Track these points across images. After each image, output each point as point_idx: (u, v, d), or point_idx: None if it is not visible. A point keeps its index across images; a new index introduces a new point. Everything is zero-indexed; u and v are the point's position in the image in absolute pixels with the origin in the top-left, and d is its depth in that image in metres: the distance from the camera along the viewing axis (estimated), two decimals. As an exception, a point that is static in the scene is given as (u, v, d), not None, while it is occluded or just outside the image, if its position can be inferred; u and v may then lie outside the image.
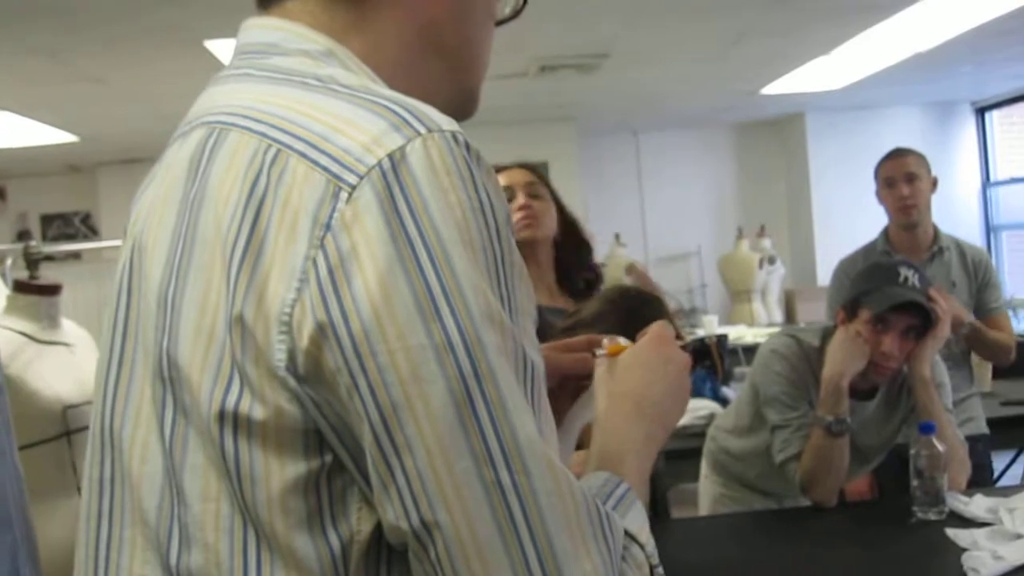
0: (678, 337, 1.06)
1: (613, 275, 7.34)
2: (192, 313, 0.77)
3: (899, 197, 3.49)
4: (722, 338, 5.20)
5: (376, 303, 0.69)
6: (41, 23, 4.54)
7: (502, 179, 2.60)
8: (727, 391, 4.65)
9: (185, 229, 0.80)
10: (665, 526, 2.66)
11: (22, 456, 1.67)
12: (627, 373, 0.99)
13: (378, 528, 0.73)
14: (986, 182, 9.44)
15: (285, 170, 0.74)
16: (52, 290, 2.24)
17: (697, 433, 3.51)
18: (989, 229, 9.42)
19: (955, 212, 8.46)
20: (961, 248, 3.55)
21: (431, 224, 0.71)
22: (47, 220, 9.62)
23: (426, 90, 0.88)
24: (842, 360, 2.56)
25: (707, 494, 3.11)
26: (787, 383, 2.69)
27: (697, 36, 5.88)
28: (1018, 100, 8.86)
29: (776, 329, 6.68)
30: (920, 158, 3.57)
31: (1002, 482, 4.30)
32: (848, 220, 8.02)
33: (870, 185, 3.66)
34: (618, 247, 8.81)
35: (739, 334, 7.05)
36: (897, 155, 3.59)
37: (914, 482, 2.45)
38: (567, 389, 1.09)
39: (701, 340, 5.01)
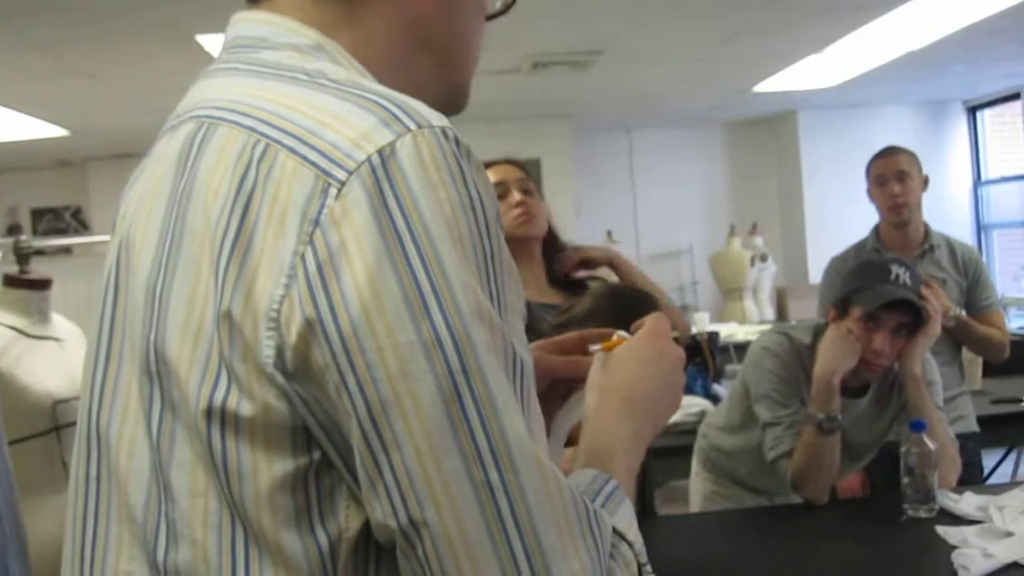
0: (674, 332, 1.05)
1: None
2: (180, 308, 0.77)
3: (890, 195, 3.50)
4: (713, 335, 5.20)
5: (365, 299, 0.69)
6: (33, 18, 4.53)
7: (494, 175, 2.60)
8: (718, 388, 4.65)
9: (173, 223, 0.80)
10: (655, 523, 2.65)
11: (11, 451, 1.67)
12: (620, 367, 0.99)
13: (367, 526, 0.73)
14: (977, 181, 9.47)
15: (274, 165, 0.74)
16: (42, 284, 2.23)
17: (688, 430, 3.51)
18: (980, 228, 9.45)
19: (946, 211, 8.48)
20: (951, 246, 3.55)
21: (420, 220, 0.70)
22: (38, 214, 9.60)
23: (416, 85, 0.88)
24: (833, 358, 2.56)
25: (698, 491, 3.11)
26: (778, 380, 2.70)
27: (690, 34, 5.88)
28: (1009, 99, 8.88)
29: (768, 327, 6.68)
30: (911, 156, 3.58)
31: (992, 480, 4.31)
32: (840, 218, 8.03)
33: (862, 183, 3.66)
34: (610, 244, 8.82)
35: (730, 331, 7.06)
36: (888, 153, 3.59)
37: (905, 480, 2.45)
38: (557, 390, 1.09)
39: (693, 337, 5.02)
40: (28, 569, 1.66)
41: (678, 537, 2.56)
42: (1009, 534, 2.17)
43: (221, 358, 0.74)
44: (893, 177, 3.50)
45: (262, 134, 0.76)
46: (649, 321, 1.04)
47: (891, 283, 2.56)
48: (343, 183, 0.71)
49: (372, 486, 0.70)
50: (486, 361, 0.70)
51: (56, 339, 2.23)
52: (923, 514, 2.41)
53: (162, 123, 0.90)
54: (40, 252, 2.39)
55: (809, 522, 2.57)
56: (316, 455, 0.73)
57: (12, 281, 2.21)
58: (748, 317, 8.70)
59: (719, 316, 8.82)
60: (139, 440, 0.80)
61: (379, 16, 0.88)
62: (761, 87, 7.81)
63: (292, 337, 0.70)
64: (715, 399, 4.31)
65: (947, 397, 2.98)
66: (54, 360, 2.18)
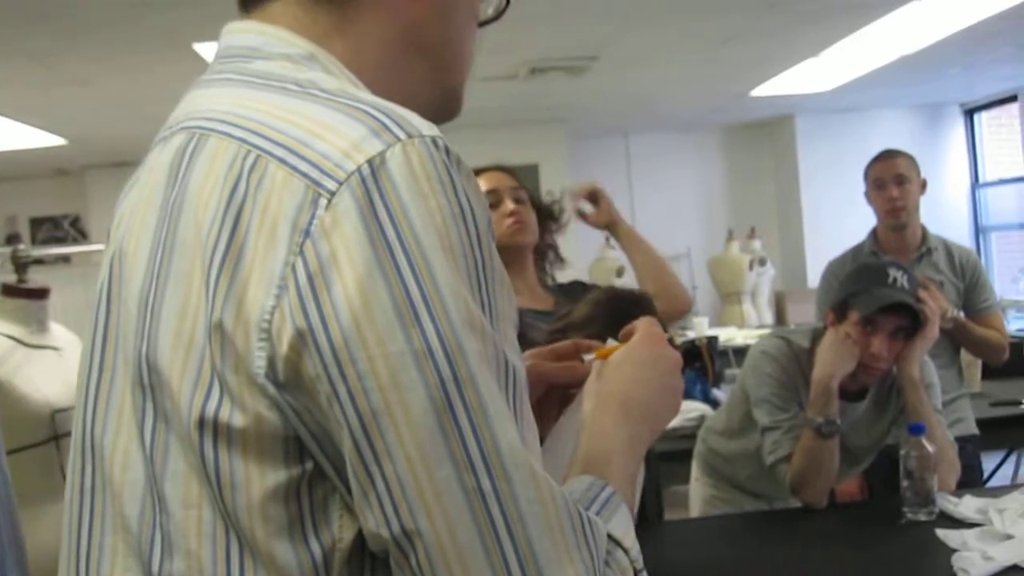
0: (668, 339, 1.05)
1: (602, 277, 7.35)
2: (172, 319, 0.77)
3: (888, 199, 3.50)
4: (712, 340, 5.20)
5: (355, 309, 0.69)
6: (30, 27, 4.53)
7: (486, 182, 2.61)
8: (717, 393, 4.65)
9: (165, 235, 0.80)
10: (655, 528, 2.65)
11: (10, 460, 1.67)
12: (615, 372, 0.99)
13: (360, 536, 0.73)
14: (975, 183, 9.48)
15: (264, 176, 0.74)
16: (41, 294, 2.23)
17: (687, 435, 3.51)
18: (978, 230, 9.45)
19: (944, 213, 8.49)
20: (949, 249, 3.55)
21: (411, 230, 0.70)
22: (36, 223, 9.59)
23: (409, 91, 0.88)
24: (832, 361, 2.57)
25: (698, 496, 3.11)
26: (777, 385, 2.70)
27: (686, 38, 5.89)
28: (1006, 102, 8.89)
29: (766, 331, 6.69)
30: (910, 160, 3.57)
31: (992, 483, 4.30)
32: (838, 222, 8.04)
33: (860, 187, 3.66)
34: (608, 249, 8.82)
35: (729, 336, 7.07)
36: (887, 157, 3.59)
37: (904, 483, 2.45)
38: (553, 397, 1.09)
39: (691, 342, 5.02)
40: (27, 579, 1.65)
41: (678, 541, 2.56)
42: (1009, 537, 2.17)
43: (213, 369, 0.73)
44: (892, 181, 3.50)
45: (253, 145, 0.76)
46: (641, 326, 1.04)
47: (889, 287, 2.56)
48: (333, 193, 0.71)
49: (364, 496, 0.70)
50: (477, 370, 0.70)
51: (55, 348, 2.23)
52: (922, 517, 2.41)
53: (159, 132, 0.90)
54: (39, 261, 2.39)
55: (808, 526, 2.57)
56: (309, 465, 0.73)
57: (10, 290, 2.21)
58: (747, 321, 8.70)
59: (718, 320, 8.82)
60: (133, 451, 0.80)
61: (372, 23, 0.88)
62: (758, 91, 7.82)
63: (283, 348, 0.70)
64: (714, 404, 4.31)
65: (946, 400, 2.98)
66: (53, 369, 2.18)
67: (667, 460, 3.43)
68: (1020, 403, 4.03)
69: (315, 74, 0.82)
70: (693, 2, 5.07)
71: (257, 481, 0.73)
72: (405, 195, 0.71)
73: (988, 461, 4.20)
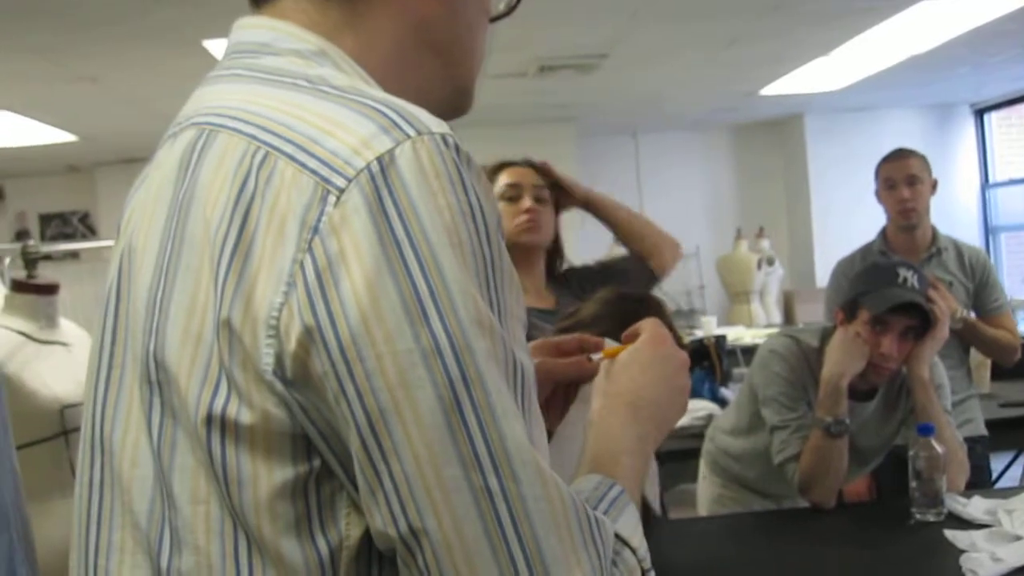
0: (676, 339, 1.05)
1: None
2: (180, 316, 0.77)
3: (899, 200, 3.48)
4: (720, 339, 5.19)
5: (364, 307, 0.69)
6: (41, 23, 4.54)
7: (511, 176, 2.60)
8: (725, 392, 4.64)
9: (174, 231, 0.80)
10: (662, 526, 2.65)
11: (19, 456, 1.67)
12: (623, 372, 0.99)
13: (367, 534, 0.73)
14: (985, 184, 9.44)
15: (273, 173, 0.74)
16: (50, 289, 2.23)
17: (696, 434, 3.51)
18: (988, 231, 9.43)
19: (954, 214, 8.46)
20: (959, 249, 3.54)
21: (420, 227, 0.70)
22: (45, 219, 9.62)
23: (420, 87, 0.88)
24: (841, 361, 2.56)
25: (706, 495, 3.11)
26: (786, 384, 2.69)
27: (696, 37, 5.88)
28: (1017, 102, 8.87)
29: (774, 330, 6.68)
30: (922, 160, 3.55)
31: (1001, 484, 4.30)
32: (847, 221, 8.02)
33: (869, 187, 3.65)
34: (616, 248, 8.80)
35: (738, 335, 7.05)
36: (899, 156, 3.57)
37: (913, 483, 2.44)
38: (559, 393, 1.08)
39: (699, 341, 5.01)
40: (36, 573, 1.66)
41: (685, 541, 2.55)
42: (1018, 538, 2.16)
43: (221, 366, 0.73)
44: (903, 181, 3.48)
45: (262, 141, 0.76)
46: (647, 326, 1.03)
47: (899, 286, 2.56)
48: (342, 190, 0.71)
49: (371, 494, 0.70)
50: (486, 369, 0.70)
51: (64, 344, 2.24)
52: (931, 518, 2.41)
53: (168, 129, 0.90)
54: (48, 257, 2.41)
55: (816, 526, 2.57)
56: (316, 463, 0.73)
57: (20, 286, 2.21)
58: (755, 320, 8.69)
59: (726, 319, 8.81)
60: (142, 447, 0.80)
61: (383, 19, 0.88)
62: (767, 90, 7.80)
63: (291, 345, 0.70)
64: (722, 402, 4.31)
65: (955, 400, 2.98)
66: (62, 365, 2.18)
67: (674, 458, 3.43)
68: (1030, 404, 4.01)
69: (325, 70, 0.82)
70: (703, 1, 5.06)
71: (264, 478, 0.72)
72: (414, 192, 0.71)
73: (997, 462, 4.19)
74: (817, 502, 2.62)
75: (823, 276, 6.80)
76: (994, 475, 3.92)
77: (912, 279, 2.57)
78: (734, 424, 2.97)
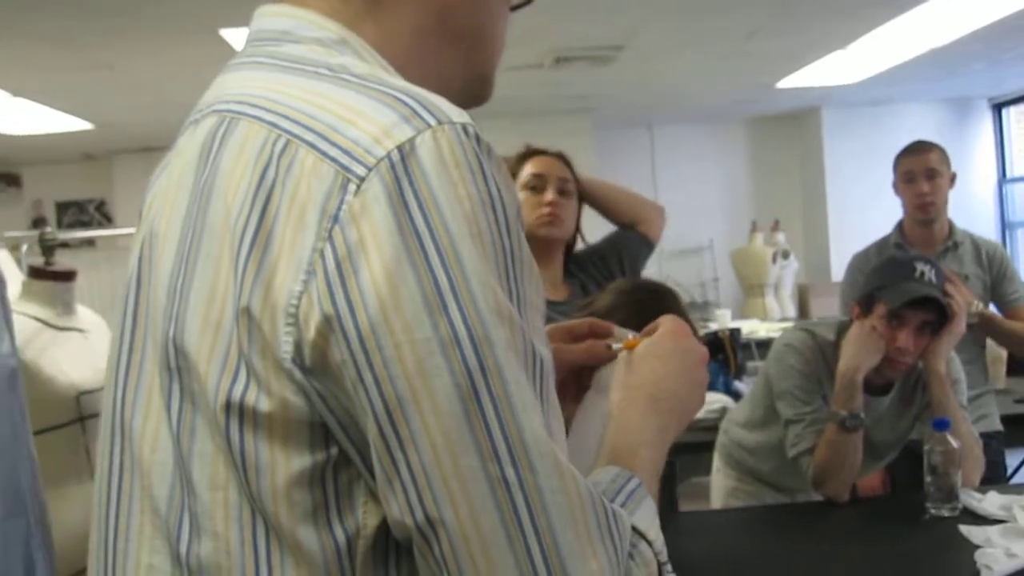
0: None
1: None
2: (200, 303, 0.77)
3: (918, 194, 3.46)
4: (735, 332, 5.18)
5: (383, 296, 0.69)
6: (57, 10, 4.55)
7: (538, 166, 2.60)
8: (740, 385, 4.64)
9: (195, 218, 0.80)
10: (676, 519, 2.65)
11: (36, 442, 1.68)
12: (642, 365, 0.98)
13: (384, 523, 0.73)
14: (1002, 179, 9.40)
15: (294, 161, 0.74)
16: (67, 276, 2.24)
17: (710, 427, 3.50)
18: (1005, 226, 9.38)
19: (971, 209, 8.43)
20: (976, 243, 3.52)
21: (439, 217, 0.70)
22: (62, 207, 9.67)
23: (440, 76, 0.88)
24: (857, 354, 2.55)
25: (719, 488, 3.11)
26: (801, 377, 2.68)
27: (713, 29, 5.86)
28: (1035, 96, 8.82)
29: (789, 324, 6.67)
30: (942, 153, 3.52)
31: (1016, 479, 4.28)
32: (863, 215, 8.00)
33: (886, 180, 3.63)
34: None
35: (752, 328, 7.04)
36: (918, 150, 3.54)
37: (928, 478, 2.44)
38: (572, 379, 1.08)
39: (714, 334, 5.01)
40: (52, 559, 1.67)
41: (699, 533, 2.55)
42: (1033, 534, 2.16)
43: (240, 353, 0.73)
44: (922, 175, 3.46)
45: (283, 129, 0.76)
46: (666, 321, 1.03)
47: (916, 280, 2.54)
48: (362, 179, 0.71)
49: (388, 483, 0.70)
50: (504, 359, 0.70)
51: (80, 330, 2.25)
52: (946, 513, 2.40)
53: (186, 117, 0.90)
54: (64, 244, 2.42)
55: (830, 520, 2.56)
56: (334, 451, 0.73)
57: (37, 273, 2.22)
58: (770, 314, 8.67)
59: (740, 312, 8.80)
60: (162, 433, 0.80)
61: (404, 6, 0.88)
62: (784, 83, 7.77)
63: (310, 333, 0.70)
64: (736, 395, 4.30)
65: (971, 396, 2.96)
66: (79, 351, 2.19)
67: (689, 451, 3.43)
68: (1046, 400, 4.00)
69: (346, 59, 0.82)
70: (720, -8, 5.05)
71: (282, 465, 0.73)
72: (434, 182, 0.71)
73: (1012, 458, 4.17)
74: (831, 496, 2.62)
75: (838, 270, 6.79)
76: (1009, 471, 3.90)
77: (929, 273, 2.56)
78: (748, 417, 2.97)
